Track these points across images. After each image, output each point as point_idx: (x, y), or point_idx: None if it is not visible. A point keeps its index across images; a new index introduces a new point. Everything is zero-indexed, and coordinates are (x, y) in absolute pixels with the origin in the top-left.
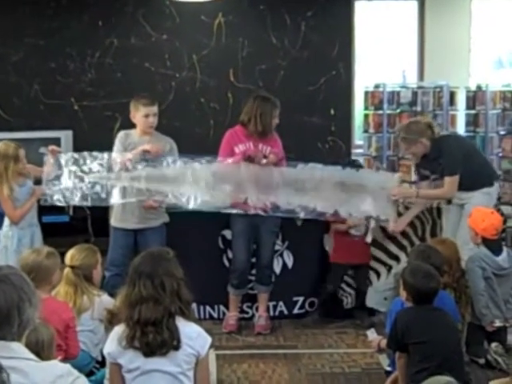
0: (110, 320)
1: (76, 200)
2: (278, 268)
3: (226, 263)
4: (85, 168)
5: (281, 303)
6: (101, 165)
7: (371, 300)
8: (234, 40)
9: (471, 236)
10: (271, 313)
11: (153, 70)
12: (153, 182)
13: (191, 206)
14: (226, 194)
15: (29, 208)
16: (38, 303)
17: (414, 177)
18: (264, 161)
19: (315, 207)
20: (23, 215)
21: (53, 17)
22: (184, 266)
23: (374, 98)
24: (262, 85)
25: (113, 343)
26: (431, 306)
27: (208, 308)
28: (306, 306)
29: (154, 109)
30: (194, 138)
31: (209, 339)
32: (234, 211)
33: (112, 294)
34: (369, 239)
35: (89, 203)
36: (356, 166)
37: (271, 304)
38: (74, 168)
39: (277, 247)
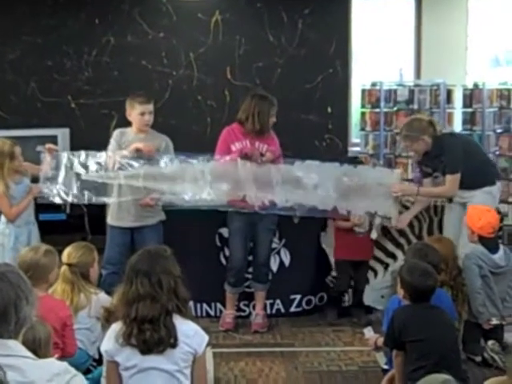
0: (107, 318)
1: (73, 198)
2: (275, 266)
3: (223, 261)
4: (82, 166)
5: (278, 301)
6: (98, 163)
7: (368, 298)
8: (230, 38)
9: (468, 234)
10: (268, 311)
11: (150, 68)
12: (150, 180)
13: (188, 203)
14: (224, 191)
15: (25, 206)
16: (35, 301)
17: (410, 174)
18: (264, 158)
19: (313, 204)
20: (19, 213)
21: (50, 15)
22: (181, 264)
23: (371, 96)
24: (258, 82)
25: (110, 341)
26: (428, 303)
27: (205, 306)
28: (303, 304)
29: (150, 107)
30: (191, 135)
31: (206, 337)
32: (231, 209)
33: (109, 292)
34: (374, 236)
35: (86, 201)
36: (356, 162)
37: (268, 302)
38: (70, 166)
39: (274, 245)
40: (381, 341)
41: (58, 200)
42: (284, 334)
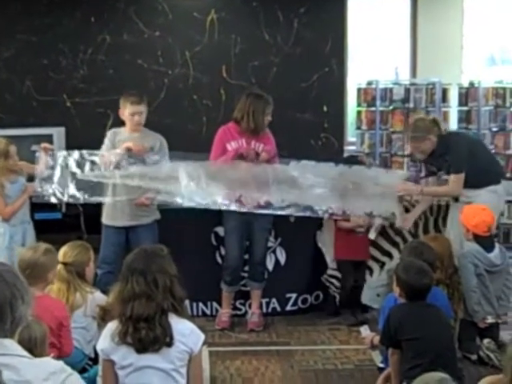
0: (103, 317)
1: (68, 197)
2: (270, 265)
3: (219, 260)
4: (77, 165)
5: (274, 300)
6: (93, 162)
7: (364, 296)
8: (226, 37)
9: (463, 232)
10: (264, 309)
11: (145, 67)
12: (145, 179)
13: (184, 203)
14: (219, 191)
15: (20, 205)
16: (31, 300)
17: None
18: (260, 158)
19: (309, 204)
20: (14, 212)
21: (45, 13)
22: (177, 263)
23: (367, 95)
24: (254, 81)
25: (106, 340)
26: (424, 302)
27: (201, 305)
28: (299, 302)
29: (141, 107)
30: (187, 134)
31: (202, 336)
32: (227, 208)
33: (105, 292)
34: (372, 236)
35: (81, 201)
36: (355, 162)
37: (264, 301)
38: (66, 165)
39: (270, 244)
40: (377, 339)
41: (53, 199)
42: (280, 333)
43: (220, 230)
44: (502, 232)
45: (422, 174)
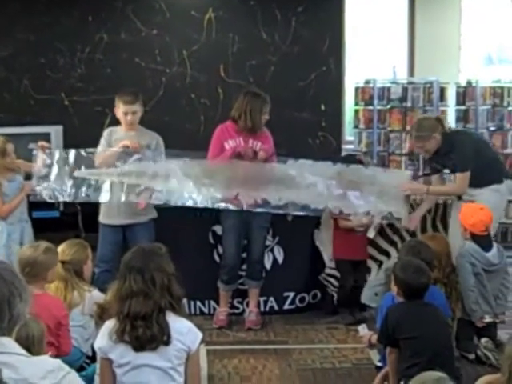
0: (100, 315)
1: (66, 196)
2: (268, 263)
3: (217, 259)
4: (74, 164)
5: (271, 299)
6: (91, 161)
7: (362, 296)
8: (224, 35)
9: (461, 231)
10: (262, 308)
11: (143, 66)
12: (143, 178)
13: (182, 201)
14: (217, 189)
15: (17, 203)
16: (29, 298)
17: None
18: (258, 157)
19: (307, 203)
20: (11, 210)
21: (43, 12)
22: (175, 262)
23: (365, 94)
24: (252, 80)
25: (103, 338)
26: (422, 301)
27: (199, 303)
28: (297, 301)
29: (134, 107)
30: (185, 133)
31: (199, 334)
32: (225, 207)
33: (102, 290)
34: (371, 235)
35: (79, 199)
36: (353, 161)
37: (262, 299)
38: (63, 164)
39: (267, 242)
40: (375, 338)
41: (50, 198)
42: (277, 332)
43: (218, 229)
44: (500, 231)
45: (420, 172)
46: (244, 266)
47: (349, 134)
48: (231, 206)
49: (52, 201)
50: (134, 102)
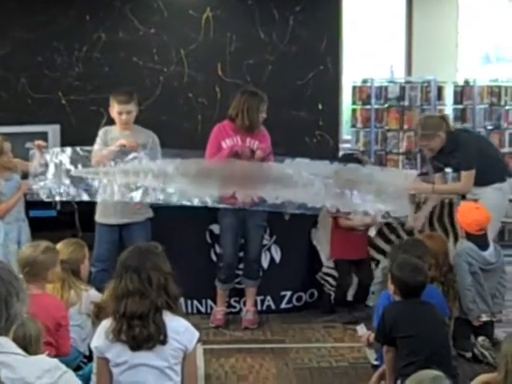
0: (97, 314)
1: (63, 195)
2: (265, 262)
3: (214, 258)
4: (71, 163)
5: (268, 298)
6: (88, 159)
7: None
8: (222, 34)
9: (459, 229)
10: (259, 307)
11: (140, 65)
12: (140, 177)
13: (179, 200)
14: (214, 188)
15: (14, 203)
16: (26, 298)
17: None
18: (255, 156)
19: (304, 202)
20: (8, 209)
21: (40, 11)
22: (172, 261)
23: (362, 93)
24: (249, 79)
25: (100, 337)
26: (419, 299)
27: (196, 302)
28: (294, 300)
29: (129, 107)
30: (182, 132)
31: (196, 334)
32: (222, 206)
33: (99, 289)
34: (372, 233)
35: (75, 198)
36: (351, 160)
37: (259, 298)
38: (60, 163)
39: (264, 242)
40: (373, 337)
41: (47, 197)
42: (274, 331)
43: (215, 228)
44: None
45: (418, 171)
46: (241, 265)
47: (346, 133)
48: (228, 205)
49: (49, 200)
50: (129, 102)
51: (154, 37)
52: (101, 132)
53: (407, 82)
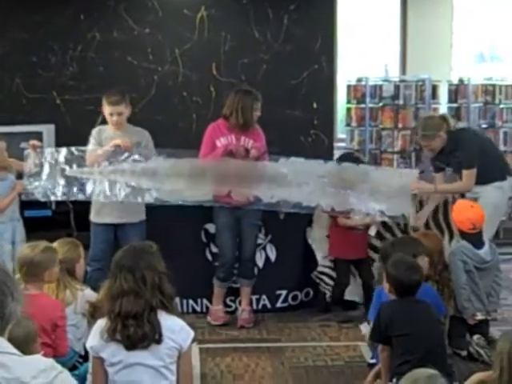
0: (93, 314)
1: (58, 195)
2: (261, 261)
3: (209, 257)
4: (66, 163)
5: (264, 297)
6: (82, 159)
7: (353, 293)
8: (216, 34)
9: (454, 228)
10: (254, 306)
11: (135, 64)
12: (135, 176)
13: (174, 200)
14: (209, 187)
15: (9, 202)
16: (21, 297)
17: None
18: (250, 155)
19: (299, 201)
20: (3, 209)
21: (35, 11)
22: (167, 260)
23: (357, 92)
24: (244, 79)
25: (95, 337)
26: (414, 298)
27: (191, 302)
28: (289, 299)
29: (119, 108)
30: (177, 132)
31: (191, 333)
32: (217, 205)
33: (95, 289)
34: (372, 232)
35: (70, 198)
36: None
37: (254, 297)
38: (55, 163)
39: (260, 241)
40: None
41: (42, 197)
42: (270, 330)
43: (210, 227)
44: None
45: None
46: (236, 265)
47: (341, 132)
48: (224, 204)
49: (44, 200)
50: (119, 103)
51: (149, 36)
52: (94, 131)
53: (402, 81)
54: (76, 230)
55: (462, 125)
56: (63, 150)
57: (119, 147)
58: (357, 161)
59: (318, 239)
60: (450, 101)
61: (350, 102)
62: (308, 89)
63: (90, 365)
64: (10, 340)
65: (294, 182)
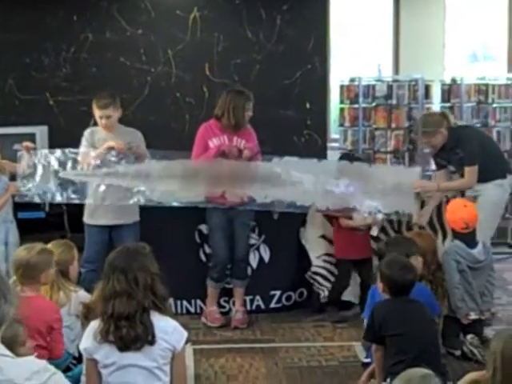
0: (86, 315)
1: (51, 197)
2: (254, 262)
3: (203, 258)
4: (59, 164)
5: (258, 297)
6: (75, 161)
7: (349, 293)
8: (209, 34)
9: (447, 227)
10: (248, 307)
11: (128, 65)
12: (128, 179)
13: (167, 201)
14: (203, 188)
15: (2, 204)
16: (15, 299)
17: None
18: (243, 155)
19: (293, 200)
20: None
21: (27, 12)
22: (161, 261)
23: (350, 92)
24: (237, 79)
25: (88, 338)
26: (408, 297)
27: (185, 303)
28: (283, 300)
29: (107, 112)
30: (170, 132)
31: (185, 334)
32: (212, 206)
33: (89, 290)
34: (374, 232)
35: (64, 200)
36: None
37: (248, 298)
38: (48, 164)
39: (253, 241)
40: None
41: (35, 199)
42: (264, 330)
43: (204, 228)
44: None
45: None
46: (229, 265)
47: (334, 132)
48: (218, 205)
49: (37, 201)
50: (107, 107)
51: (142, 37)
52: (86, 133)
53: (395, 81)
54: (70, 232)
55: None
56: (57, 152)
57: (113, 149)
58: (358, 161)
59: (312, 239)
60: (443, 100)
61: (343, 101)
62: (301, 89)
63: (83, 366)
64: (3, 341)
65: (288, 181)
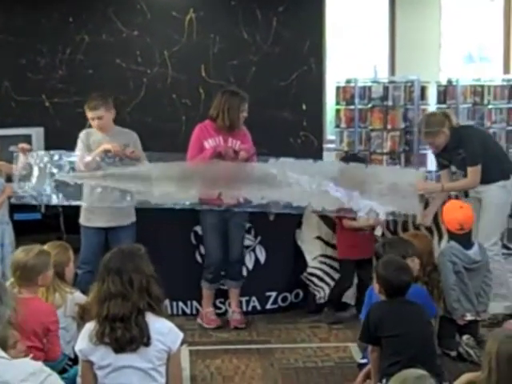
0: (82, 316)
1: (47, 198)
2: (250, 263)
3: (199, 259)
4: (55, 166)
5: (254, 298)
6: (72, 163)
7: (347, 295)
8: (205, 36)
9: (443, 228)
10: (244, 308)
11: (124, 66)
12: (124, 180)
13: (163, 203)
14: (199, 190)
15: None
16: (10, 301)
17: None
18: (239, 157)
19: (289, 201)
20: None
21: (23, 13)
22: (157, 263)
23: (346, 93)
24: (233, 80)
25: (84, 340)
26: (404, 299)
27: (181, 304)
28: (279, 301)
29: (98, 113)
30: (166, 133)
31: (180, 335)
32: (208, 207)
33: (85, 292)
34: (379, 232)
35: (60, 202)
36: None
37: (244, 299)
38: (44, 166)
39: (249, 242)
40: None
41: (31, 200)
42: (260, 331)
43: (199, 229)
44: None
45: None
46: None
47: (330, 133)
48: (214, 207)
49: (34, 203)
50: (98, 108)
51: (138, 39)
52: (82, 134)
53: (391, 82)
54: (66, 233)
55: None
56: (53, 154)
57: (110, 152)
58: (361, 162)
59: (308, 241)
60: (439, 102)
61: (339, 103)
62: (297, 90)
63: (79, 368)
64: None
65: (284, 182)
